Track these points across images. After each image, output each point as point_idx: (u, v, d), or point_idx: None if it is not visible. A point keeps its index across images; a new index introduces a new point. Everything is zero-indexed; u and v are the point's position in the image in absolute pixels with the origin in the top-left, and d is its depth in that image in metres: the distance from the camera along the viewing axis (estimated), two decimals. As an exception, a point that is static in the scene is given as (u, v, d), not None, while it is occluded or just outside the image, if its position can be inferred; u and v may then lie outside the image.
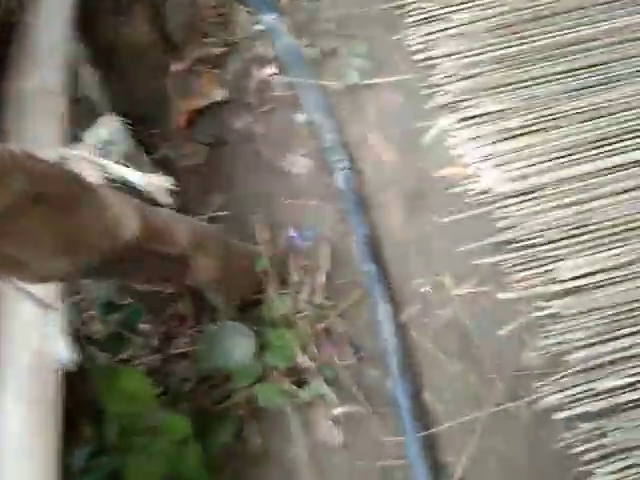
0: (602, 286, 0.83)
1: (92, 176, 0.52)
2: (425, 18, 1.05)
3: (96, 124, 0.58)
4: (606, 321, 0.81)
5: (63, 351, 0.44)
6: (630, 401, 0.77)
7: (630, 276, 0.84)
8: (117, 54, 0.99)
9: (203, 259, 0.66)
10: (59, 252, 0.42)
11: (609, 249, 0.86)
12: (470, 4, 1.04)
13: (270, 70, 1.03)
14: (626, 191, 0.89)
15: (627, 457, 0.75)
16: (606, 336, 0.81)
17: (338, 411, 0.80)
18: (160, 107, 1.00)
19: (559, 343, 0.81)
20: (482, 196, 0.92)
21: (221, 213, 0.98)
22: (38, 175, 0.39)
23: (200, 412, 0.70)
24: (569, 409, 0.78)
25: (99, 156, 0.56)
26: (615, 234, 0.86)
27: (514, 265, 0.87)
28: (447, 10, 1.04)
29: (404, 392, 0.77)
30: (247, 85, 1.04)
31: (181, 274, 0.64)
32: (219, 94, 1.03)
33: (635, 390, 0.77)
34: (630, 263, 0.84)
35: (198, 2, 1.09)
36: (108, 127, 0.57)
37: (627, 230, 0.86)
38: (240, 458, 0.76)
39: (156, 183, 0.53)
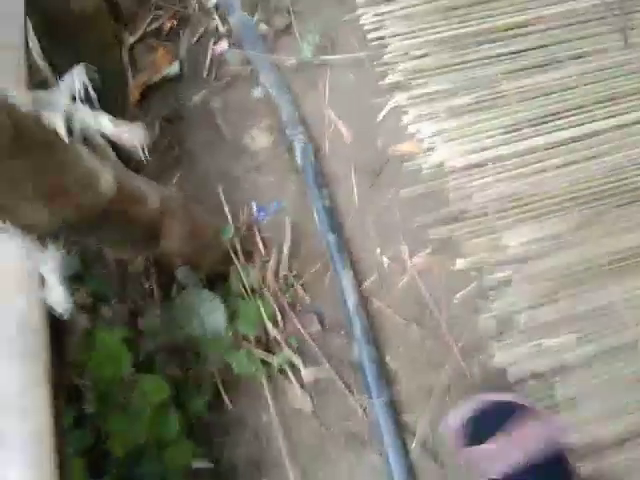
0: (546, 252, 0.90)
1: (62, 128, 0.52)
2: (376, -1, 1.07)
3: (69, 74, 0.57)
4: (550, 284, 0.88)
5: (59, 298, 0.43)
6: (576, 357, 0.84)
7: (570, 243, 0.90)
8: (64, 22, 0.95)
9: (172, 225, 0.66)
10: (39, 199, 0.42)
11: (552, 218, 0.92)
12: (418, -15, 1.07)
13: (225, 44, 1.03)
14: (567, 164, 0.96)
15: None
16: (552, 297, 0.87)
17: (307, 378, 0.82)
18: (113, 80, 0.97)
19: (509, 306, 0.87)
20: (435, 170, 0.96)
21: (180, 189, 0.98)
22: (19, 117, 0.39)
23: (174, 381, 0.70)
24: (519, 367, 0.84)
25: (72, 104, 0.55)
26: (557, 204, 0.93)
27: (466, 235, 0.92)
28: (396, -10, 1.07)
29: (368, 357, 0.80)
30: (201, 59, 1.03)
31: (152, 240, 0.64)
32: (173, 68, 1.02)
33: (580, 346, 0.84)
34: (571, 230, 0.90)
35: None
36: (80, 77, 0.56)
37: (568, 200, 0.93)
38: (215, 425, 0.77)
39: (128, 131, 0.53)
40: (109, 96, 0.96)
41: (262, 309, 0.80)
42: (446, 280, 0.91)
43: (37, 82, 0.82)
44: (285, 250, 0.88)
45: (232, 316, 0.78)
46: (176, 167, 1.00)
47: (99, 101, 0.78)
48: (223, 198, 0.90)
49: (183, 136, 1.01)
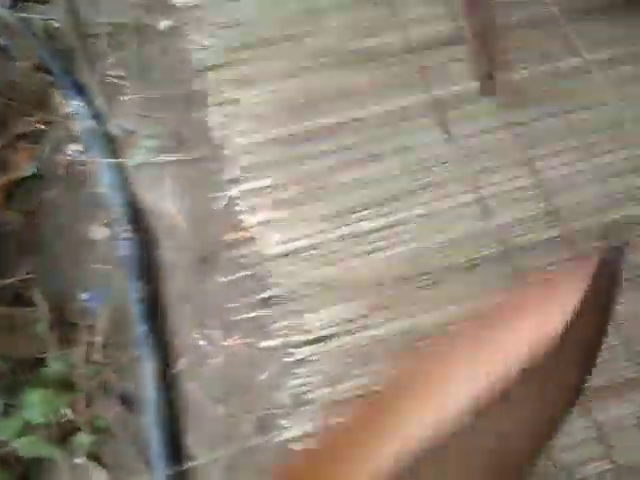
0: (346, 333, 0.97)
1: None
2: (222, 100, 1.19)
3: None
4: (342, 364, 0.95)
5: None
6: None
7: (369, 325, 0.98)
8: None
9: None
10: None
11: (355, 301, 1.00)
12: (257, 89, 1.19)
13: (78, 147, 1.15)
14: (372, 253, 1.04)
15: None
16: (343, 376, 0.94)
17: (104, 457, 0.89)
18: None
19: (303, 384, 0.94)
20: (256, 258, 1.05)
21: (32, 276, 1.08)
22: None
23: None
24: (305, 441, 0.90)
25: None
26: (360, 288, 1.01)
27: (274, 318, 0.99)
28: (240, 94, 1.19)
29: (158, 437, 0.87)
30: (58, 161, 1.15)
31: None
32: (31, 169, 1.14)
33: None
34: (364, 315, 0.98)
35: (19, 85, 1.20)
36: None
37: (369, 287, 1.01)
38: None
39: None
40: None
41: (61, 396, 0.88)
42: (254, 360, 0.98)
43: None
44: (99, 337, 0.96)
45: (23, 404, 0.86)
46: (30, 256, 1.11)
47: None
48: (35, 291, 0.99)
49: (39, 229, 1.12)
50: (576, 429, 0.92)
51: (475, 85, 1.22)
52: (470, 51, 1.26)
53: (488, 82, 1.22)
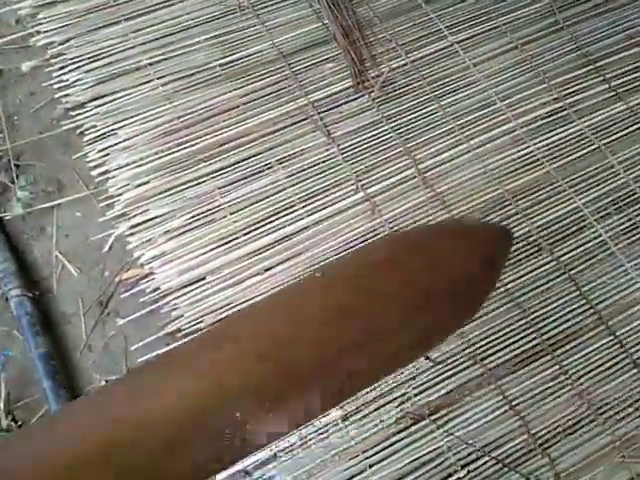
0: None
1: None
2: (98, 136, 1.16)
3: None
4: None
5: None
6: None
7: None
8: None
9: None
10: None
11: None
12: (133, 119, 1.16)
13: (-49, 209, 1.09)
14: (271, 268, 1.05)
15: None
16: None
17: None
18: None
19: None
20: (155, 293, 1.03)
21: None
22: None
23: None
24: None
25: None
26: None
27: (183, 351, 0.98)
28: (115, 126, 1.16)
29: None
30: None
31: None
32: None
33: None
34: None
35: None
36: None
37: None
38: None
39: None
40: None
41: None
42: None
43: None
44: (1, 404, 0.93)
45: None
46: None
47: None
48: None
49: None
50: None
51: (349, 83, 1.24)
52: (339, 49, 1.27)
53: (360, 78, 1.24)
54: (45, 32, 1.25)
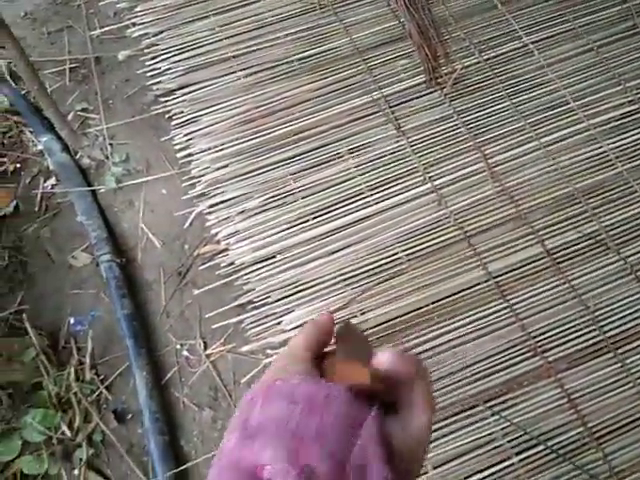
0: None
1: None
2: (184, 121, 1.23)
3: None
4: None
5: None
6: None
7: (336, 320, 1.02)
8: None
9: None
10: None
11: (326, 299, 1.04)
12: (216, 107, 1.23)
13: (53, 181, 1.19)
14: (336, 251, 1.08)
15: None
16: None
17: (104, 468, 0.93)
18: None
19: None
20: (229, 267, 1.09)
21: (24, 307, 1.12)
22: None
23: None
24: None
25: None
26: (329, 287, 1.05)
27: (252, 322, 1.04)
28: (200, 113, 1.23)
29: (156, 443, 0.92)
30: (34, 196, 1.19)
31: None
32: (10, 207, 1.18)
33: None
34: (339, 309, 1.02)
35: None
36: None
37: (337, 283, 1.05)
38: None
39: None
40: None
41: (57, 414, 0.92)
42: (236, 365, 1.03)
43: None
44: (87, 358, 1.01)
45: (22, 426, 0.90)
46: (20, 289, 1.15)
47: None
48: (27, 321, 1.03)
49: (24, 262, 1.16)
50: (541, 394, 0.97)
51: (421, 79, 1.26)
52: (414, 46, 1.29)
53: (433, 75, 1.26)
54: (140, 24, 1.35)
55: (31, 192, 1.21)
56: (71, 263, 1.14)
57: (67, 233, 1.17)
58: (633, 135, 1.18)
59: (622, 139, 1.18)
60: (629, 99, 1.23)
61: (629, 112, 1.21)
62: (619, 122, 1.20)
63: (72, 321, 1.07)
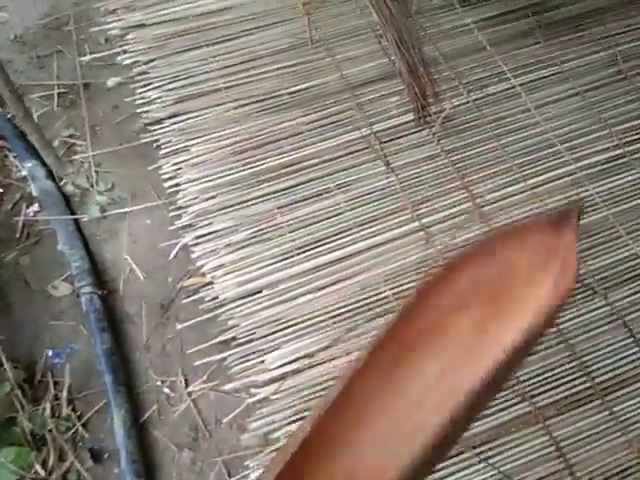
0: (299, 370, 0.97)
1: None
2: (173, 151, 1.20)
3: None
4: (305, 400, 0.95)
5: None
6: None
7: (323, 360, 0.98)
8: None
9: None
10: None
11: (309, 338, 1.00)
12: (205, 137, 1.20)
13: (33, 208, 1.14)
14: (323, 288, 1.05)
15: None
16: (305, 412, 0.94)
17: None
18: None
19: (267, 424, 0.94)
20: (214, 301, 1.05)
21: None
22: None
23: None
24: None
25: None
26: (314, 324, 1.02)
27: (236, 359, 1.00)
28: (189, 143, 1.20)
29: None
30: (15, 222, 1.14)
31: None
32: (-10, 232, 1.13)
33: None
34: (324, 348, 0.99)
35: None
36: None
37: (323, 320, 1.02)
38: None
39: None
40: None
41: (29, 453, 0.87)
42: (218, 404, 0.98)
43: None
44: (64, 393, 0.96)
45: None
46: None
47: None
48: (3, 354, 0.98)
49: (1, 291, 1.11)
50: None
51: (410, 117, 1.25)
52: (403, 84, 1.29)
53: (422, 113, 1.25)
54: (132, 52, 1.32)
55: (12, 218, 1.16)
56: (50, 293, 1.09)
57: (48, 262, 1.12)
58: (619, 179, 1.18)
59: (608, 183, 1.18)
60: (614, 143, 1.23)
61: (615, 156, 1.21)
62: (605, 166, 1.20)
63: (50, 353, 1.02)
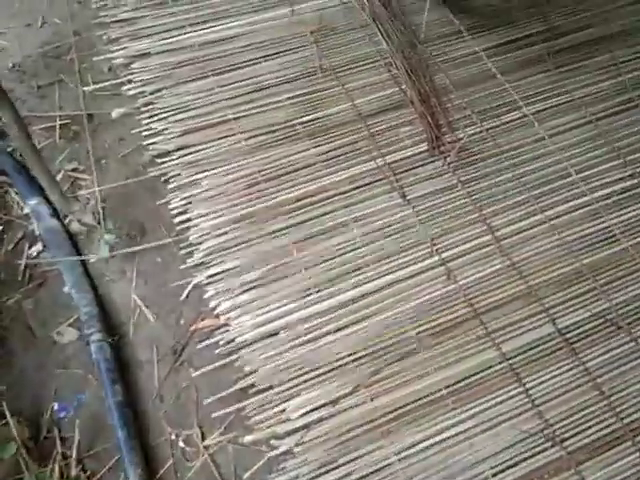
0: (322, 419, 0.91)
1: None
2: (182, 184, 1.13)
3: None
4: (329, 451, 0.88)
5: None
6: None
7: (346, 407, 0.92)
8: None
9: None
10: None
11: (331, 382, 0.94)
12: (216, 170, 1.14)
13: (39, 247, 1.06)
14: (343, 328, 0.99)
15: None
16: (331, 465, 0.87)
17: None
18: None
19: (293, 478, 0.87)
20: (230, 345, 0.98)
21: (1, 388, 0.98)
22: None
23: None
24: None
25: None
26: (337, 368, 0.95)
27: (255, 408, 0.93)
28: (198, 176, 1.14)
29: None
30: (17, 263, 1.06)
31: None
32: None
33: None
34: (345, 395, 0.92)
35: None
36: None
37: (345, 364, 0.95)
38: None
39: None
40: None
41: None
42: (237, 458, 0.91)
43: None
44: (73, 451, 0.88)
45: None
46: (-1, 366, 1.01)
47: None
48: (8, 410, 0.89)
49: (2, 338, 1.02)
50: None
51: (424, 147, 1.20)
52: (416, 114, 1.23)
53: (436, 143, 1.20)
54: (137, 82, 1.25)
55: (15, 259, 1.08)
56: (55, 339, 1.01)
57: (52, 305, 1.04)
58: (636, 210, 1.14)
59: (625, 213, 1.14)
60: (628, 173, 1.19)
61: (630, 187, 1.17)
62: (620, 196, 1.16)
63: (56, 407, 0.93)
